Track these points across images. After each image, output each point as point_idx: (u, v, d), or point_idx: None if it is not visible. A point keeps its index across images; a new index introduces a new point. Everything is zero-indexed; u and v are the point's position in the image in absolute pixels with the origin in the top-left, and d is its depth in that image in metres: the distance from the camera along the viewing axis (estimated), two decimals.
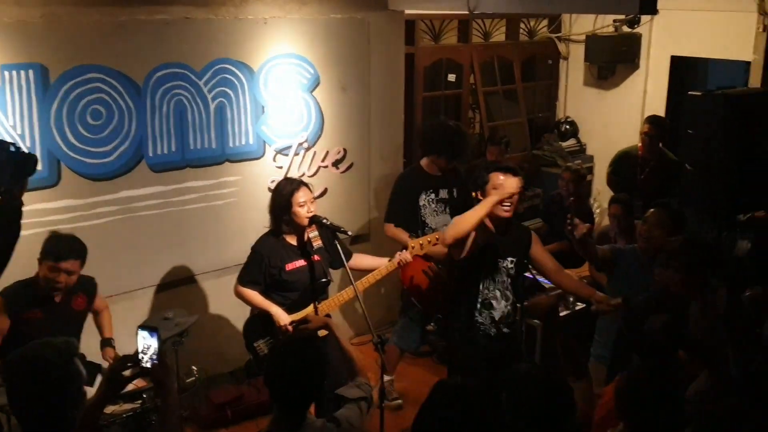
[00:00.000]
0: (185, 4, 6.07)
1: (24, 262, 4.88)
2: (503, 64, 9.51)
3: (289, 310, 5.14)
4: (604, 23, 9.13)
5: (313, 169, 7.01)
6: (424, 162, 6.36)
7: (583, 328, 5.87)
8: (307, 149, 6.94)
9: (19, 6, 5.33)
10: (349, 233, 5.30)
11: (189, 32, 6.10)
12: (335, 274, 5.54)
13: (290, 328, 5.00)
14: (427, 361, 7.18)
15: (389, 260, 5.51)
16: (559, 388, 3.22)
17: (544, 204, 8.38)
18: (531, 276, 5.29)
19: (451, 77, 9.10)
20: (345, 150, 7.20)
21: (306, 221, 5.13)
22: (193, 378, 5.91)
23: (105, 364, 4.99)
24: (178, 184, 6.25)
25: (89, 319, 5.27)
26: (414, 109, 8.37)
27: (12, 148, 3.43)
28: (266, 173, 6.69)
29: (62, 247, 4.77)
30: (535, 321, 6.14)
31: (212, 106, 6.30)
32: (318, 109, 6.93)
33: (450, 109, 9.02)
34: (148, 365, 3.14)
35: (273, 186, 5.52)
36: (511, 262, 4.97)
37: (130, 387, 3.81)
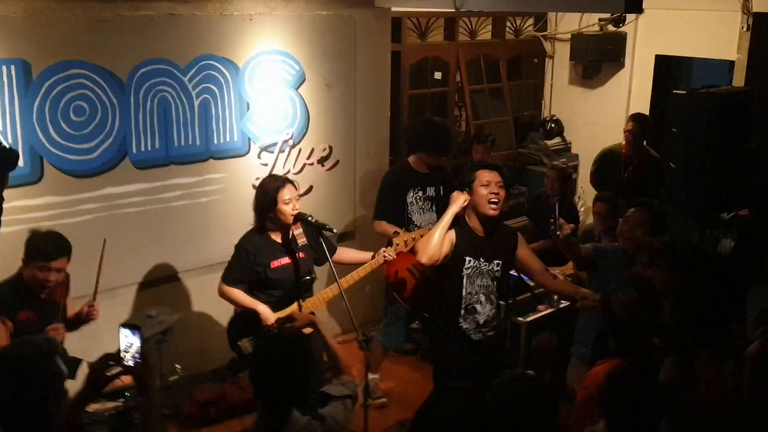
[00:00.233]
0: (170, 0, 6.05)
1: (5, 261, 4.86)
2: (489, 62, 9.52)
3: (274, 308, 5.11)
4: (590, 22, 9.15)
5: (299, 167, 6.99)
6: (411, 159, 6.36)
7: (565, 327, 5.89)
8: (293, 146, 6.92)
9: (0, 1, 5.29)
10: (335, 231, 5.29)
11: (173, 28, 6.06)
12: (319, 272, 5.53)
13: (275, 326, 4.98)
14: (411, 359, 7.17)
15: (373, 256, 5.51)
16: (544, 394, 3.22)
17: (529, 202, 8.40)
18: (516, 275, 5.29)
19: (438, 75, 9.09)
20: (330, 147, 7.18)
21: (291, 219, 5.12)
22: (177, 376, 5.90)
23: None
24: (162, 181, 6.22)
25: None
26: (400, 106, 8.37)
27: None
28: (251, 170, 6.66)
29: (51, 247, 4.70)
30: (520, 319, 6.17)
31: (197, 103, 6.27)
32: (303, 106, 6.91)
33: (436, 107, 9.01)
34: (131, 364, 3.12)
35: (258, 183, 5.50)
36: (497, 264, 4.96)
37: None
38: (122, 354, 3.13)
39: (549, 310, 6.36)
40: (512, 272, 5.22)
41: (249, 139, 6.63)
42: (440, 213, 6.10)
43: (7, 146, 3.69)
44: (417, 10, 8.26)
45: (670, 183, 6.17)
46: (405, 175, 6.34)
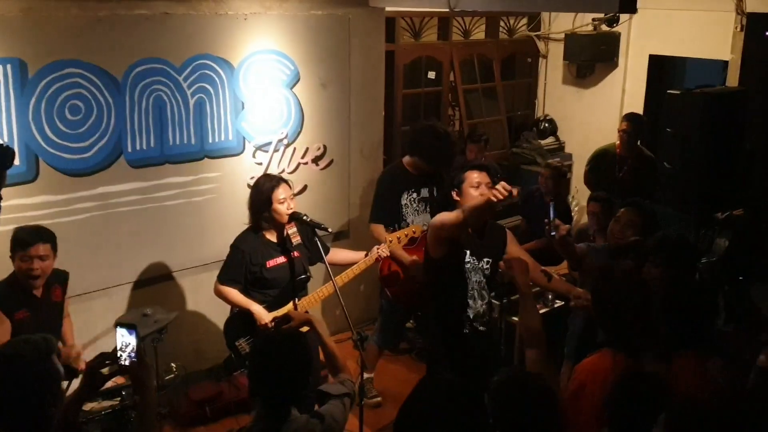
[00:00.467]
0: None
1: (2, 261, 4.87)
2: (483, 62, 9.53)
3: (269, 308, 5.13)
4: (584, 22, 9.17)
5: (293, 166, 6.99)
6: (405, 160, 6.35)
7: (559, 328, 5.91)
8: (287, 146, 6.92)
9: None
10: (329, 230, 5.30)
11: (168, 27, 6.06)
12: (314, 271, 5.54)
13: (271, 325, 4.98)
14: (406, 358, 7.19)
15: (366, 255, 5.52)
16: (543, 392, 3.22)
17: (521, 199, 8.39)
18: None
19: (431, 75, 9.10)
20: (325, 147, 7.19)
21: (286, 218, 5.12)
22: (172, 375, 5.90)
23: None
24: (157, 180, 6.22)
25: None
26: (394, 106, 8.38)
27: None
28: (246, 170, 6.66)
29: (27, 235, 4.77)
30: (514, 319, 6.18)
31: (192, 102, 6.27)
32: (298, 105, 6.91)
33: (430, 106, 9.02)
34: (127, 363, 3.13)
35: (252, 182, 5.50)
36: (487, 263, 4.99)
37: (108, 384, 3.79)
38: (118, 353, 3.13)
39: (543, 310, 6.36)
40: None
41: (244, 138, 6.63)
42: (434, 214, 6.12)
43: (4, 144, 3.68)
44: (411, 9, 8.26)
45: (664, 183, 6.20)
46: (399, 176, 6.33)
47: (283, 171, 6.83)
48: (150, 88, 6.02)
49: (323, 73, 7.03)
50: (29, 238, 4.74)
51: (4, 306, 4.70)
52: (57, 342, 3.21)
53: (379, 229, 6.16)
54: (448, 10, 6.50)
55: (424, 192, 6.33)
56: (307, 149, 7.06)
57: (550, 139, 9.86)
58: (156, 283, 6.40)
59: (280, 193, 5.08)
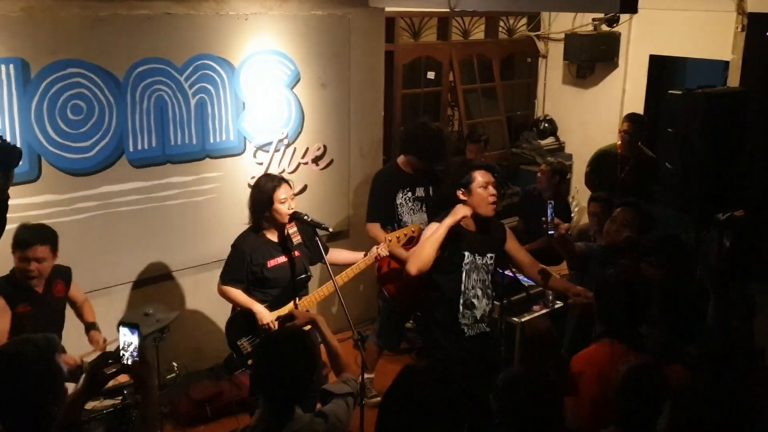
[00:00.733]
0: None
1: (4, 258, 4.88)
2: (482, 62, 9.54)
3: (270, 307, 5.13)
4: (583, 22, 9.18)
5: (293, 166, 7.00)
6: (400, 160, 6.36)
7: (559, 328, 5.92)
8: (287, 146, 6.93)
9: None
10: (330, 229, 5.32)
11: (170, 27, 6.07)
12: (313, 271, 5.55)
13: (272, 325, 4.99)
14: (406, 358, 7.17)
15: (365, 255, 5.53)
16: (548, 390, 3.23)
17: (520, 198, 8.39)
18: (512, 275, 5.31)
19: (431, 75, 9.12)
20: (325, 146, 7.19)
21: (287, 218, 5.13)
22: (174, 374, 5.90)
23: (90, 349, 4.98)
24: (159, 179, 6.22)
25: (71, 314, 5.25)
26: (393, 106, 8.39)
27: None
28: (246, 169, 6.67)
29: (28, 236, 4.78)
30: (514, 319, 6.19)
31: (193, 102, 6.28)
32: (298, 105, 6.92)
33: (429, 106, 9.03)
34: (129, 362, 3.13)
35: (253, 182, 5.51)
36: (491, 258, 5.03)
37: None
38: (121, 352, 3.13)
39: (544, 311, 6.37)
40: (507, 272, 5.24)
41: (244, 138, 6.63)
42: (430, 213, 6.16)
43: (11, 143, 3.69)
44: (411, 9, 8.27)
45: (665, 183, 6.20)
46: (394, 176, 6.34)
47: (284, 171, 6.84)
48: (151, 88, 6.03)
49: (323, 73, 7.04)
50: (29, 239, 4.75)
51: (6, 301, 4.73)
52: (60, 341, 3.22)
53: (375, 228, 6.17)
54: (448, 10, 6.51)
55: (419, 191, 6.34)
56: (307, 149, 7.07)
57: (550, 140, 9.87)
58: (157, 283, 6.41)
59: (282, 193, 5.09)
